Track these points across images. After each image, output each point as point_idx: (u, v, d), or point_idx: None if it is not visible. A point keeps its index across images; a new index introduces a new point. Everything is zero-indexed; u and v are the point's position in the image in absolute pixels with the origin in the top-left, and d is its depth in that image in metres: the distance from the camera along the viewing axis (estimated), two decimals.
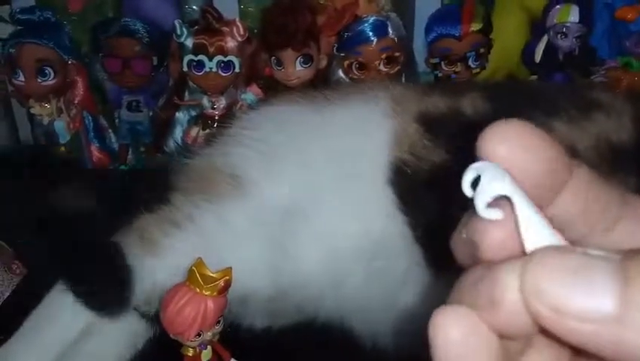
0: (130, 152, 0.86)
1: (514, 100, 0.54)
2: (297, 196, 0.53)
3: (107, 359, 0.49)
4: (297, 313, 0.55)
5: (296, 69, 0.78)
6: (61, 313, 0.50)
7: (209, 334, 0.46)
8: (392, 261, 0.51)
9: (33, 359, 0.49)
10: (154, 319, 0.51)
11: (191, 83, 0.81)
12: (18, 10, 0.79)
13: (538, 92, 0.59)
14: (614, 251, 0.15)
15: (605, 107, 0.51)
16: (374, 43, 0.78)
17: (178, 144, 0.84)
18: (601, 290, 0.14)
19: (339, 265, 0.52)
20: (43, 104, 0.79)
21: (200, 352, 0.46)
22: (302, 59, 0.77)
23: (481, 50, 0.81)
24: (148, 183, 0.60)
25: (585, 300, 0.14)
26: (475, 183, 0.17)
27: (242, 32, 0.77)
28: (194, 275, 0.44)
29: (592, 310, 0.14)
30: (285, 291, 0.53)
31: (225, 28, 0.77)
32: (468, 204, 0.17)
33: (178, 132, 0.84)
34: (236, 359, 0.49)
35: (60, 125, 0.79)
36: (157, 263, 0.52)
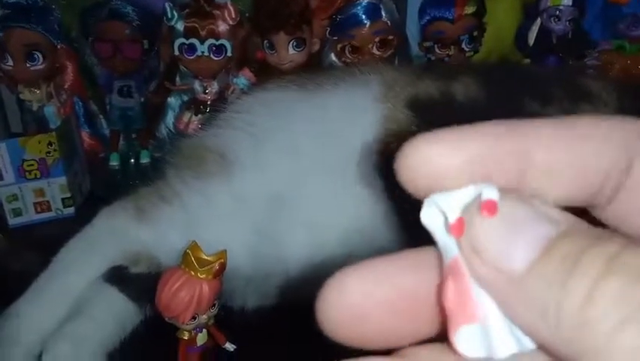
0: (121, 138, 0.85)
1: (508, 86, 0.54)
2: (283, 182, 0.54)
3: (92, 341, 0.49)
4: (280, 294, 0.55)
5: (289, 53, 0.77)
6: (71, 267, 0.53)
7: (205, 317, 0.45)
8: (377, 249, 0.51)
9: (44, 312, 0.50)
10: (143, 300, 0.51)
11: (182, 68, 0.80)
12: None
13: (533, 78, 0.59)
14: (578, 221, 0.14)
15: (593, 97, 0.51)
16: (367, 26, 0.78)
17: (170, 129, 0.83)
18: (521, 245, 0.13)
19: (322, 252, 0.52)
20: (32, 89, 0.78)
21: (196, 335, 0.46)
22: (295, 43, 0.77)
23: (475, 33, 0.81)
24: None
25: (502, 247, 0.13)
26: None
27: (233, 15, 0.76)
28: (188, 258, 0.43)
29: (504, 259, 0.13)
30: (267, 274, 0.54)
31: (217, 12, 0.76)
32: None
33: (170, 118, 0.83)
34: (230, 341, 0.49)
35: (50, 111, 0.78)
36: (144, 229, 0.55)
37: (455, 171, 0.14)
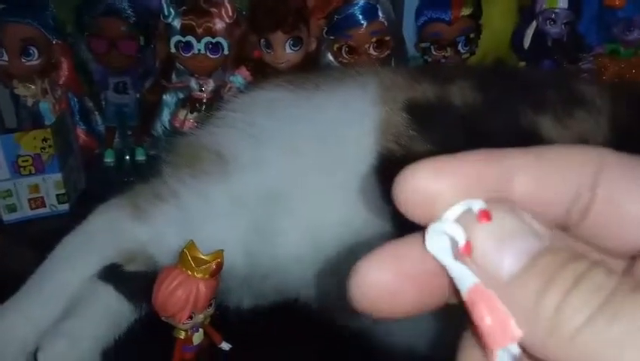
0: (116, 135, 0.85)
1: (503, 91, 0.54)
2: (280, 181, 0.53)
3: (87, 339, 0.48)
4: (276, 294, 0.55)
5: (285, 52, 0.77)
6: (66, 264, 0.53)
7: (201, 316, 0.45)
8: (374, 249, 0.51)
9: (39, 309, 0.50)
10: (139, 299, 0.51)
11: (178, 65, 0.80)
12: None
13: (527, 83, 0.59)
14: (560, 235, 0.16)
15: (587, 103, 0.52)
16: (364, 26, 0.78)
17: (165, 127, 0.83)
18: (510, 255, 0.15)
19: (319, 253, 0.52)
20: (27, 84, 0.78)
21: (192, 335, 0.46)
22: (292, 42, 0.77)
23: (471, 35, 0.81)
24: None
25: (494, 255, 0.15)
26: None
27: (230, 14, 0.76)
28: (185, 258, 0.44)
29: (495, 266, 0.15)
30: (263, 273, 0.54)
31: (214, 9, 0.76)
32: None
33: (165, 115, 0.83)
34: (226, 341, 0.49)
35: (45, 107, 0.78)
36: (140, 227, 0.55)
37: (444, 196, 0.16)
